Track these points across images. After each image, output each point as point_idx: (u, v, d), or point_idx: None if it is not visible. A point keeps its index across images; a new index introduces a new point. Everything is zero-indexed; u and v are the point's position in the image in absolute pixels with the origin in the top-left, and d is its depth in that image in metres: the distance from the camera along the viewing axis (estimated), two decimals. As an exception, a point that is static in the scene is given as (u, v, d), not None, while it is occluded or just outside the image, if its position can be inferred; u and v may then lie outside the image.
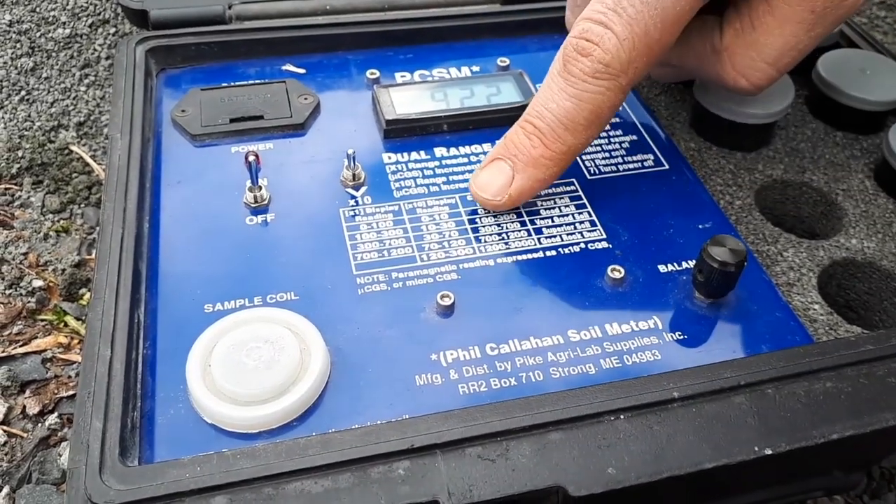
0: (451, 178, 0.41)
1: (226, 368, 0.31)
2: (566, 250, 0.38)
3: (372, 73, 0.48)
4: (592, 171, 0.42)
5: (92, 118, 0.59)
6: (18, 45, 0.60)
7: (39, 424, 0.43)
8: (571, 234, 0.38)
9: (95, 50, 0.61)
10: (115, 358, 0.30)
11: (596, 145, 0.44)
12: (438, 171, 0.42)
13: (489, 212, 0.39)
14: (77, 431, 0.28)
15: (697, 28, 0.38)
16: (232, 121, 0.44)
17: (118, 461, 0.27)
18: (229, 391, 0.30)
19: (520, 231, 0.39)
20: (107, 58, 0.61)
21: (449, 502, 0.26)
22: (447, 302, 0.34)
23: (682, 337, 0.34)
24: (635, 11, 0.34)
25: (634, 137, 0.44)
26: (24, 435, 0.42)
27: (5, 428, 0.42)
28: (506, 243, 0.38)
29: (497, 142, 0.39)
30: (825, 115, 0.49)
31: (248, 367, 0.31)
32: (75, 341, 0.47)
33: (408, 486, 0.27)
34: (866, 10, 0.70)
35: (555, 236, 0.38)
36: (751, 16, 0.37)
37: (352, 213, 0.39)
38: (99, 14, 0.62)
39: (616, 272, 0.36)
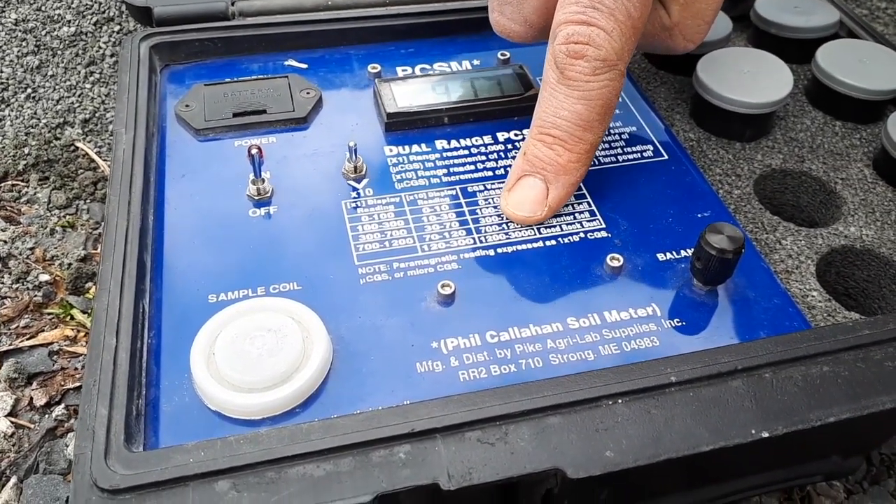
0: (451, 170, 0.42)
1: (229, 356, 0.31)
2: (566, 240, 0.38)
3: (373, 68, 0.49)
4: (592, 162, 0.42)
5: (97, 115, 0.59)
6: (24, 44, 0.60)
7: (46, 416, 0.43)
8: (571, 223, 0.39)
9: (100, 47, 0.62)
10: (121, 347, 0.31)
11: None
12: (439, 163, 0.42)
13: (489, 202, 0.40)
14: (83, 418, 0.28)
15: None
16: (235, 115, 0.44)
17: (123, 447, 0.28)
18: (233, 379, 0.30)
19: (520, 221, 0.39)
20: (111, 55, 0.62)
21: (449, 485, 0.27)
22: (448, 291, 0.35)
23: (680, 324, 0.34)
24: (612, 1, 0.34)
25: (633, 128, 0.45)
26: (31, 426, 0.43)
27: (13, 419, 0.43)
28: (506, 233, 0.38)
29: (515, 160, 0.39)
30: (824, 105, 0.49)
31: (251, 355, 0.31)
32: (81, 334, 0.47)
33: (408, 469, 0.27)
34: (866, 1, 0.70)
35: (554, 226, 0.39)
36: None
37: (353, 204, 0.40)
38: (103, 12, 0.62)
39: (615, 260, 0.36)
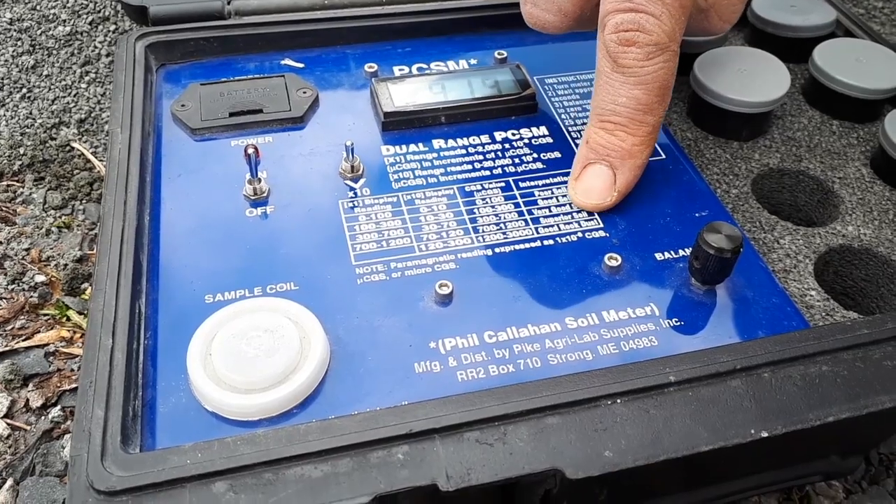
0: (449, 169, 0.42)
1: (226, 357, 0.31)
2: (563, 239, 0.38)
3: (370, 67, 0.48)
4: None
5: (93, 115, 0.59)
6: (19, 43, 0.60)
7: (42, 417, 0.43)
8: (569, 223, 0.39)
9: (96, 47, 0.61)
10: (117, 347, 0.31)
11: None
12: (437, 162, 0.42)
13: (487, 202, 0.40)
14: (79, 420, 0.28)
15: None
16: (231, 115, 0.44)
17: (120, 448, 0.27)
18: (230, 379, 0.30)
19: (517, 221, 0.39)
20: (107, 55, 0.61)
21: (447, 486, 0.27)
22: (445, 291, 0.35)
23: (678, 323, 0.34)
24: None
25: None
26: (28, 428, 0.42)
27: (9, 421, 0.42)
28: (503, 233, 0.38)
29: (579, 150, 0.39)
30: (821, 104, 0.49)
31: (248, 356, 0.31)
32: (77, 335, 0.47)
33: (407, 470, 0.27)
34: (863, 0, 0.70)
35: (552, 225, 0.39)
36: None
37: (351, 204, 0.40)
38: (99, 11, 0.62)
39: (613, 260, 0.36)
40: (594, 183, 0.38)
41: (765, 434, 0.29)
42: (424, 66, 0.49)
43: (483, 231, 0.38)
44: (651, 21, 0.35)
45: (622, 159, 0.38)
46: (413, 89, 0.45)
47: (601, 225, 0.39)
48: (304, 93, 0.46)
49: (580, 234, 0.38)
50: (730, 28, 0.42)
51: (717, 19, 0.41)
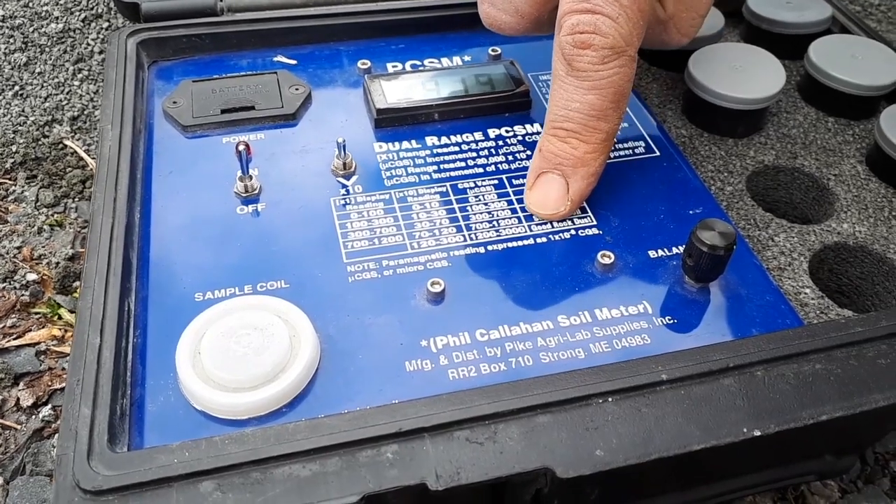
0: (442, 166, 0.41)
1: (215, 355, 0.31)
2: (556, 237, 0.38)
3: (363, 64, 0.48)
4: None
5: (86, 113, 0.59)
6: (11, 41, 0.60)
7: (33, 416, 0.43)
8: (562, 220, 0.38)
9: (88, 44, 0.61)
10: (105, 346, 0.30)
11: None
12: (430, 159, 0.42)
13: (480, 199, 0.39)
14: (66, 418, 0.28)
15: None
16: (223, 112, 0.44)
17: (107, 447, 0.27)
18: (219, 378, 0.30)
19: (510, 218, 0.39)
20: (100, 52, 0.61)
21: (437, 485, 0.26)
22: (437, 289, 0.34)
23: (672, 321, 0.34)
24: None
25: (625, 124, 0.44)
26: (18, 427, 0.42)
27: (-1, 420, 0.42)
28: (496, 230, 0.38)
29: (533, 159, 0.38)
30: (817, 101, 0.49)
31: (237, 354, 0.31)
32: (69, 334, 0.47)
33: (396, 469, 0.27)
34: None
35: (545, 223, 0.38)
36: None
37: (343, 201, 0.39)
38: (92, 8, 0.62)
39: (606, 258, 0.36)
40: (547, 193, 0.38)
41: (758, 433, 0.28)
42: (418, 62, 0.49)
43: (476, 229, 0.38)
44: (608, 23, 0.34)
45: (574, 167, 0.37)
46: (406, 86, 0.45)
47: (594, 222, 0.38)
48: (297, 90, 0.45)
49: (573, 232, 0.38)
50: (688, 42, 0.41)
51: (676, 32, 0.40)
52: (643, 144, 0.43)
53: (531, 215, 0.39)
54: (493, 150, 0.43)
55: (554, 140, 0.37)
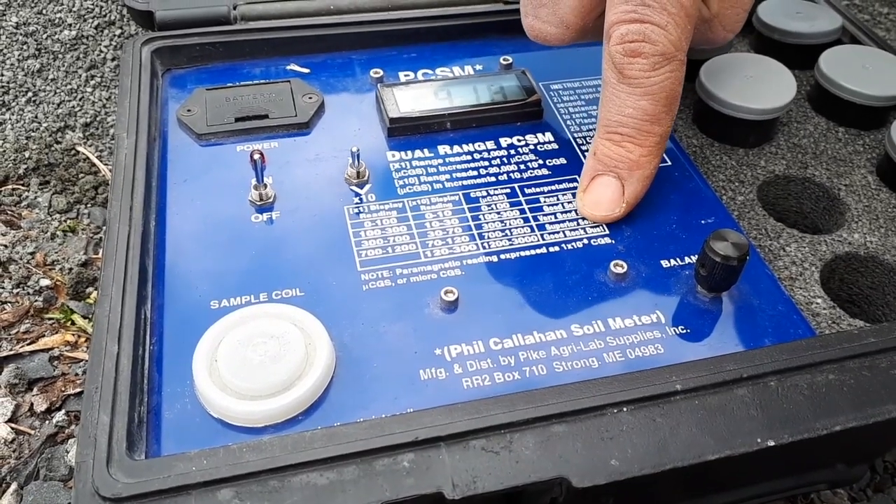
0: (454, 175, 0.42)
1: (232, 363, 0.31)
2: (569, 246, 0.38)
3: (376, 73, 0.48)
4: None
5: (98, 119, 0.59)
6: (25, 47, 0.60)
7: (47, 422, 0.43)
8: (574, 229, 0.39)
9: (101, 51, 0.62)
10: (123, 353, 0.31)
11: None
12: (442, 168, 0.42)
13: (492, 208, 0.40)
14: (84, 426, 0.28)
15: None
16: (237, 120, 0.44)
17: (125, 455, 0.27)
18: (235, 386, 0.30)
19: (523, 227, 0.39)
20: (113, 59, 0.62)
21: (453, 494, 0.27)
22: (451, 297, 0.35)
23: (685, 331, 0.34)
24: None
25: (637, 134, 0.45)
26: (32, 432, 0.42)
27: (13, 425, 0.42)
28: (509, 239, 0.38)
29: (586, 161, 0.39)
30: (827, 111, 0.49)
31: (253, 362, 0.31)
32: (82, 339, 0.47)
33: (412, 478, 0.27)
34: (868, 6, 0.70)
35: (557, 232, 0.39)
36: None
37: (356, 210, 0.39)
38: (105, 16, 0.62)
39: (619, 267, 0.36)
40: (603, 194, 0.38)
41: (771, 443, 0.29)
42: (430, 71, 0.49)
43: (488, 237, 0.38)
44: (657, 31, 0.35)
45: (630, 170, 0.37)
46: (419, 95, 0.45)
47: (607, 232, 0.39)
48: (310, 98, 0.46)
49: (586, 241, 0.38)
50: (733, 37, 0.42)
51: (721, 29, 0.41)
52: (655, 154, 0.43)
53: (543, 224, 0.39)
54: (505, 159, 0.43)
55: (609, 144, 0.37)
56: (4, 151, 0.56)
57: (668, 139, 0.44)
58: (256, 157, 0.38)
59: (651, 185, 0.39)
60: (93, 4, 0.62)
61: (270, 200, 0.40)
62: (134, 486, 0.26)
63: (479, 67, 0.50)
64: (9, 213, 0.54)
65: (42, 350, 0.46)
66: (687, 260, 0.37)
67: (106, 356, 0.31)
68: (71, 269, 0.50)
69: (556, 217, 0.39)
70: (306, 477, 0.27)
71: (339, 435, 0.28)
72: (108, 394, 0.29)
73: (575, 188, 0.41)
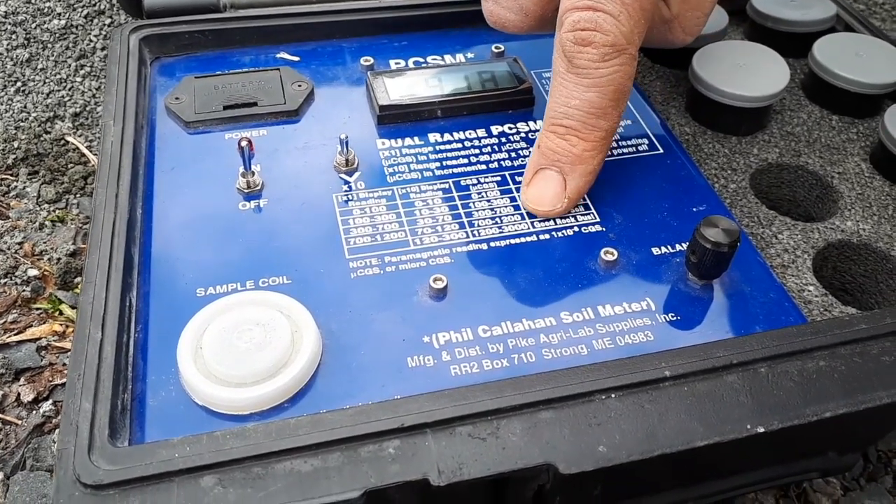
0: (444, 163, 0.41)
1: (217, 350, 0.31)
2: (559, 233, 0.38)
3: (366, 60, 0.48)
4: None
5: (87, 109, 0.59)
6: (14, 37, 0.60)
7: (34, 412, 0.43)
8: (565, 217, 0.38)
9: (91, 41, 0.61)
10: (106, 340, 0.30)
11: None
12: (432, 156, 0.42)
13: (482, 196, 0.39)
14: (67, 413, 0.28)
15: None
16: (226, 108, 0.44)
17: (107, 442, 0.27)
18: (220, 373, 0.30)
19: (513, 215, 0.38)
20: (102, 48, 0.61)
21: (439, 480, 0.26)
22: (440, 285, 0.34)
23: (675, 318, 0.34)
24: None
25: (629, 122, 0.44)
26: (19, 422, 0.42)
27: (0, 415, 0.42)
28: (499, 227, 0.38)
29: (531, 155, 0.38)
30: (821, 99, 0.48)
31: (239, 350, 0.31)
32: (70, 329, 0.46)
33: (398, 464, 0.27)
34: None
35: (548, 220, 0.38)
36: None
37: (345, 198, 0.39)
38: (94, 5, 0.62)
39: (609, 255, 0.36)
40: (545, 189, 0.38)
41: (761, 429, 0.28)
42: (421, 59, 0.49)
43: (478, 225, 0.38)
44: (609, 21, 0.34)
45: (572, 165, 0.37)
46: (409, 83, 0.45)
47: (598, 219, 0.38)
48: (300, 86, 0.45)
49: (576, 229, 0.38)
50: (692, 41, 0.41)
51: (681, 31, 0.40)
52: (647, 142, 0.43)
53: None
54: (495, 146, 0.43)
55: (553, 137, 0.37)
56: (-7, 141, 0.56)
57: (660, 125, 0.44)
58: (244, 144, 0.38)
59: (640, 169, 0.38)
60: (83, -6, 0.62)
61: (258, 188, 0.39)
62: (115, 472, 0.26)
63: (470, 56, 0.49)
64: (-3, 203, 0.54)
65: (30, 340, 0.46)
66: (678, 247, 0.37)
67: (89, 343, 0.30)
68: (59, 259, 0.49)
69: (546, 204, 0.39)
70: (290, 464, 0.27)
71: (323, 422, 0.27)
72: (90, 381, 0.29)
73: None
